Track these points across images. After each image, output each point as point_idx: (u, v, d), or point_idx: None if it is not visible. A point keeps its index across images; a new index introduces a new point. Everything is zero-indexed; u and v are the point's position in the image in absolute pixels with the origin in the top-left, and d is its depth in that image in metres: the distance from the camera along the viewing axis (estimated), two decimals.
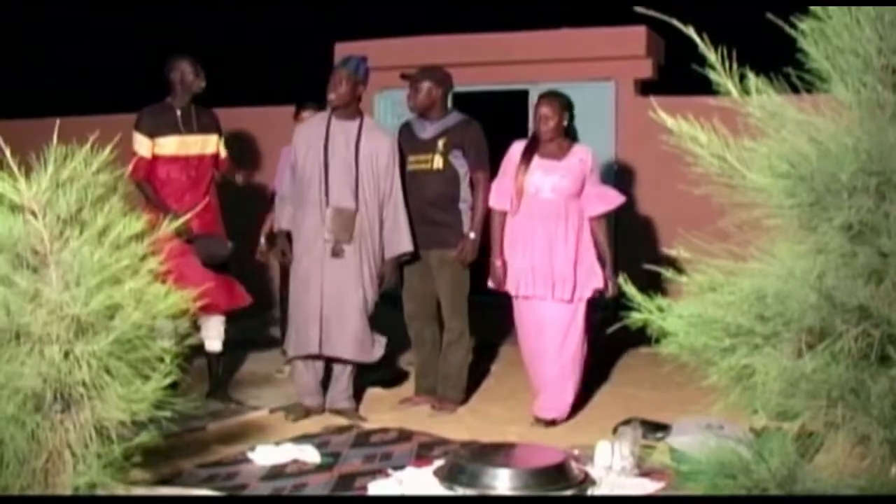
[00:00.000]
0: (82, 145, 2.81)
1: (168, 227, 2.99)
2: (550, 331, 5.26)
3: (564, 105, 5.36)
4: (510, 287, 5.35)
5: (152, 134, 5.48)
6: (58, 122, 3.03)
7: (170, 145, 5.51)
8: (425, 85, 5.61)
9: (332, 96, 5.31)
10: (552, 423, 5.26)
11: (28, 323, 2.65)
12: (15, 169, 2.67)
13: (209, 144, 5.67)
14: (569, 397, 5.31)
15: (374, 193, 5.30)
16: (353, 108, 5.36)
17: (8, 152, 2.68)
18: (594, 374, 6.34)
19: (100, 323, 2.69)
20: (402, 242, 5.40)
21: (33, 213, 2.70)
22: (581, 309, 5.30)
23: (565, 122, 5.34)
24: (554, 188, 5.26)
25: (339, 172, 5.25)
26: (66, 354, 2.66)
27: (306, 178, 5.29)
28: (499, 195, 5.39)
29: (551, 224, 5.25)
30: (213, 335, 5.60)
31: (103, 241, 2.75)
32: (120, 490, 2.78)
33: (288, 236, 5.43)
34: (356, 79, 5.31)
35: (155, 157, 5.48)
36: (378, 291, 5.37)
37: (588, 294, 5.30)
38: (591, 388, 5.98)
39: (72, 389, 2.70)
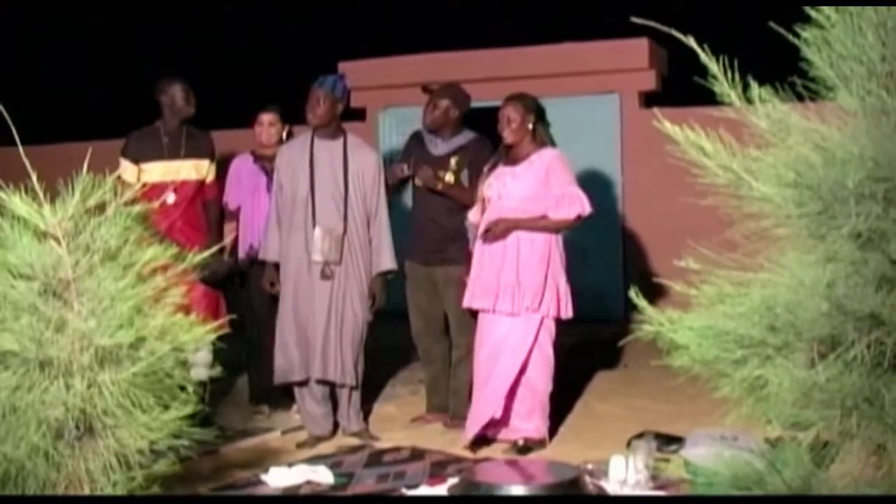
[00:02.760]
0: (112, 171, 2.81)
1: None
2: (489, 345, 4.95)
3: (530, 108, 5.03)
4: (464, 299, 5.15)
5: (137, 159, 5.43)
6: (90, 149, 3.04)
7: (155, 171, 5.44)
8: (444, 103, 5.56)
9: (311, 117, 5.24)
10: (476, 444, 4.93)
11: (53, 352, 2.65)
12: (41, 194, 2.67)
13: (200, 169, 5.58)
14: (478, 423, 4.91)
15: (362, 212, 5.23)
16: (334, 126, 5.29)
17: (34, 177, 2.67)
18: (605, 388, 6.32)
19: (124, 353, 2.69)
20: (384, 260, 5.29)
21: (57, 240, 2.70)
22: (531, 326, 4.92)
23: (530, 126, 5.00)
24: (501, 194, 5.01)
25: (327, 193, 5.18)
26: (90, 384, 2.66)
27: (293, 201, 5.22)
28: (472, 209, 5.28)
29: None
30: (200, 363, 5.51)
31: (129, 270, 2.75)
32: None
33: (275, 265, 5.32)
34: (334, 97, 5.24)
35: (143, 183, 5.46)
36: (370, 311, 5.29)
37: (535, 310, 4.90)
38: (602, 403, 5.96)
39: (93, 418, 2.69)
